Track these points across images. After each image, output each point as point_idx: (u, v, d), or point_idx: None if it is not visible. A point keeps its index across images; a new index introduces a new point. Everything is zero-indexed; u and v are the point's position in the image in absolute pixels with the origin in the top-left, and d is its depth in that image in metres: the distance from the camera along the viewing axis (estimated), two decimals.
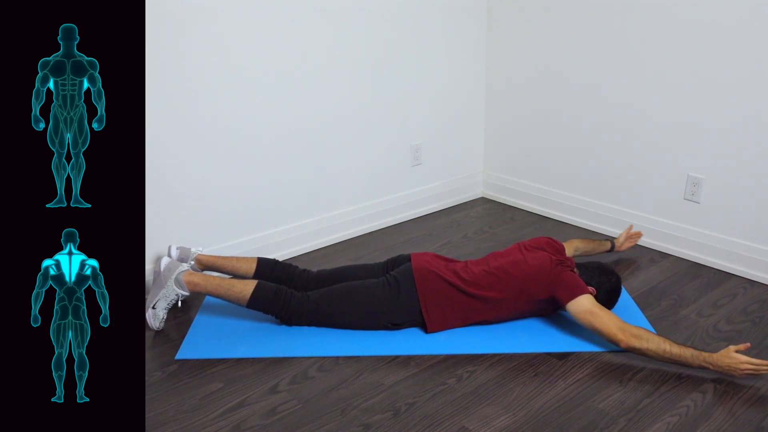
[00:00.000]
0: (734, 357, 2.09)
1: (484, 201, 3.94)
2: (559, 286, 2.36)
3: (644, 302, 2.68)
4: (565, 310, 2.37)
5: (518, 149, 3.75)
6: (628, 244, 3.04)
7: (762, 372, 2.08)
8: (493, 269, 2.44)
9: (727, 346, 2.35)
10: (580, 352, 2.33)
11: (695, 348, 2.18)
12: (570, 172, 3.51)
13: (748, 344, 2.11)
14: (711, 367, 2.13)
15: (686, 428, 1.97)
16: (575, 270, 2.47)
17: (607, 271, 2.50)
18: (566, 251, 2.68)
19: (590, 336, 2.39)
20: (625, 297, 2.68)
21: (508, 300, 2.41)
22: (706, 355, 2.14)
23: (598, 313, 2.27)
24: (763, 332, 2.46)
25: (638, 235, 3.06)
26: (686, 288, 2.81)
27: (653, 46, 3.00)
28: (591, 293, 2.36)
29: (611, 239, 3.05)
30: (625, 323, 2.24)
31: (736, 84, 2.76)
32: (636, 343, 2.19)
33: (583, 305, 2.30)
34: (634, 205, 3.26)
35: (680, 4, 2.86)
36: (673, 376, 2.20)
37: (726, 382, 2.16)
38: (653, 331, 2.39)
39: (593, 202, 3.43)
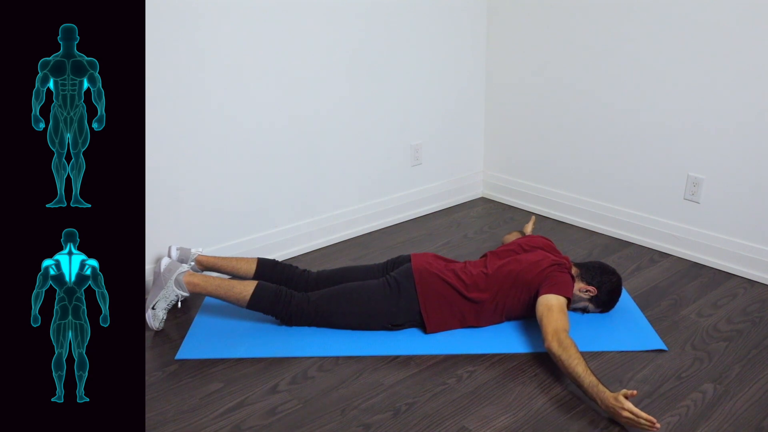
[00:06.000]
0: (620, 401, 1.91)
1: (484, 201, 3.94)
2: (548, 281, 2.35)
3: (644, 302, 2.68)
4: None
5: (518, 149, 3.75)
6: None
7: (642, 425, 1.88)
8: (492, 271, 2.44)
9: (726, 346, 2.36)
10: (580, 353, 2.33)
11: (599, 380, 2.00)
12: (570, 172, 3.51)
13: (635, 392, 1.94)
14: (599, 403, 1.97)
15: (686, 428, 1.97)
16: (573, 270, 2.48)
17: (608, 271, 2.51)
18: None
19: (590, 336, 2.40)
20: (625, 297, 2.68)
21: (504, 297, 2.41)
22: (600, 389, 1.97)
23: (553, 311, 2.22)
24: (763, 332, 2.46)
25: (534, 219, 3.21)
26: (686, 288, 2.81)
27: (653, 45, 3.00)
28: (565, 296, 2.30)
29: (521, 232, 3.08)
30: (565, 333, 2.15)
31: (737, 84, 2.76)
32: (555, 348, 2.11)
33: (550, 300, 2.27)
34: (634, 205, 3.26)
35: (680, 6, 2.87)
36: (673, 376, 2.20)
37: (726, 382, 2.16)
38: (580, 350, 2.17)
39: (593, 202, 3.43)
